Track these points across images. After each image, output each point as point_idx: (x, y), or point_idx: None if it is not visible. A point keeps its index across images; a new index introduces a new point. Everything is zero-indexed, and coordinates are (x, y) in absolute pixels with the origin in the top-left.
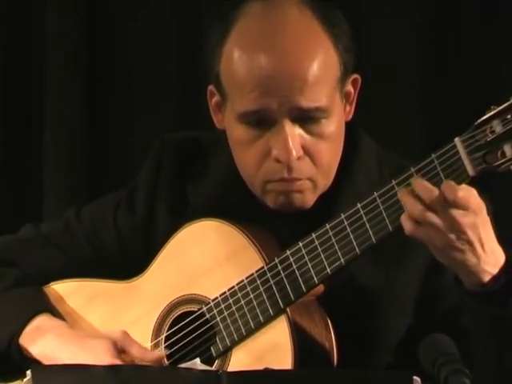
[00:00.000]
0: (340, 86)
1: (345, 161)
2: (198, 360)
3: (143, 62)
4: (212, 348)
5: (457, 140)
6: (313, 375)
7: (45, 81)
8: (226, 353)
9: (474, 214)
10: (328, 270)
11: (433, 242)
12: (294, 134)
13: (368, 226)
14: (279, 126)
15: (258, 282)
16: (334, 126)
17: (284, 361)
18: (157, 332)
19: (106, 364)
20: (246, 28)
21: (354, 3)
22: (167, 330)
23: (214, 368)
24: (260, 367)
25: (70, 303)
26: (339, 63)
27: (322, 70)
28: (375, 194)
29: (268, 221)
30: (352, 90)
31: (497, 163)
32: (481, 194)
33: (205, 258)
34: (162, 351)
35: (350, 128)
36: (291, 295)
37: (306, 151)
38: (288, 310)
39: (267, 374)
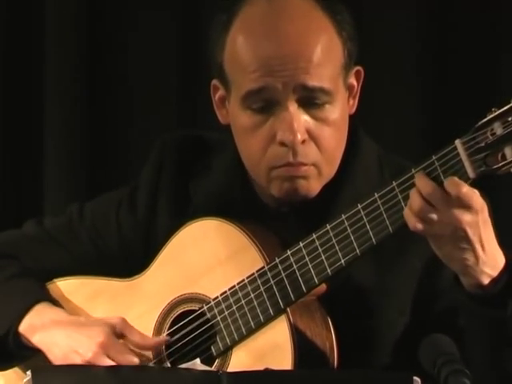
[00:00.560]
0: (344, 73)
1: (345, 161)
2: (198, 360)
3: (143, 62)
4: (212, 347)
5: (457, 142)
6: (313, 375)
7: (45, 81)
8: (226, 352)
9: (476, 213)
10: (328, 270)
11: (435, 239)
12: (299, 116)
13: (368, 227)
14: (283, 108)
15: (259, 281)
16: (337, 112)
17: (284, 361)
18: (158, 331)
19: (100, 343)
20: (249, 15)
21: (353, 2)
22: (168, 329)
23: (214, 367)
24: (260, 367)
25: (72, 301)
26: (343, 49)
27: (325, 53)
28: (376, 195)
29: (269, 220)
30: (355, 83)
31: (497, 165)
32: (481, 196)
33: (206, 257)
34: (163, 337)
35: (351, 128)
36: (291, 295)
37: (311, 135)
38: (288, 309)
39: (267, 374)
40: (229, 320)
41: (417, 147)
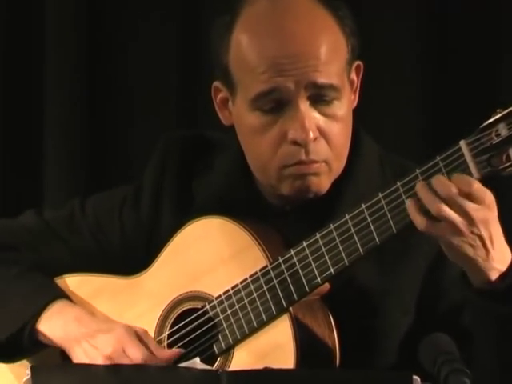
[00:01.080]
0: (348, 68)
1: (347, 161)
2: (197, 359)
3: (143, 62)
4: (214, 346)
5: (462, 143)
6: (313, 375)
7: (45, 81)
8: (228, 351)
9: (488, 209)
10: (332, 270)
11: (446, 237)
12: (310, 114)
13: (372, 227)
14: (294, 107)
15: (262, 280)
16: (345, 108)
17: (286, 360)
18: (160, 329)
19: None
20: (252, 15)
21: (353, 2)
22: (170, 327)
23: (216, 366)
24: (262, 366)
25: (74, 298)
26: (347, 45)
27: (332, 50)
28: (380, 195)
29: (272, 219)
30: (355, 78)
31: (502, 167)
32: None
33: (208, 256)
34: (176, 350)
35: (352, 129)
36: (294, 295)
37: (321, 132)
38: (291, 309)
39: (267, 373)
40: (231, 319)
41: (417, 147)
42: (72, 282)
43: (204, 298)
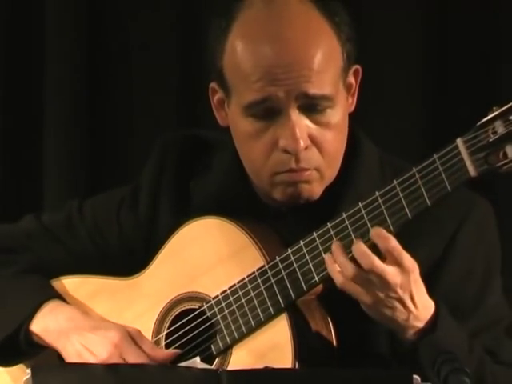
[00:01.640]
0: (343, 75)
1: (347, 163)
2: (197, 359)
3: (143, 62)
4: (212, 346)
5: (459, 140)
6: (313, 374)
7: (45, 80)
8: (226, 351)
9: (407, 274)
10: None
11: (362, 298)
12: (301, 123)
13: (369, 225)
14: (285, 116)
15: (259, 280)
16: (339, 115)
17: (284, 359)
18: (157, 329)
19: (116, 344)
20: (247, 20)
21: (353, 2)
22: (168, 328)
23: (214, 366)
24: (260, 365)
25: (72, 299)
26: (342, 52)
27: (326, 59)
28: (377, 193)
29: (270, 219)
30: (353, 81)
31: (499, 164)
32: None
33: (206, 256)
34: (172, 351)
35: (351, 130)
36: (292, 294)
37: (313, 141)
38: (289, 308)
39: (267, 372)
40: (229, 319)
41: (417, 147)
42: (70, 283)
43: (201, 298)
